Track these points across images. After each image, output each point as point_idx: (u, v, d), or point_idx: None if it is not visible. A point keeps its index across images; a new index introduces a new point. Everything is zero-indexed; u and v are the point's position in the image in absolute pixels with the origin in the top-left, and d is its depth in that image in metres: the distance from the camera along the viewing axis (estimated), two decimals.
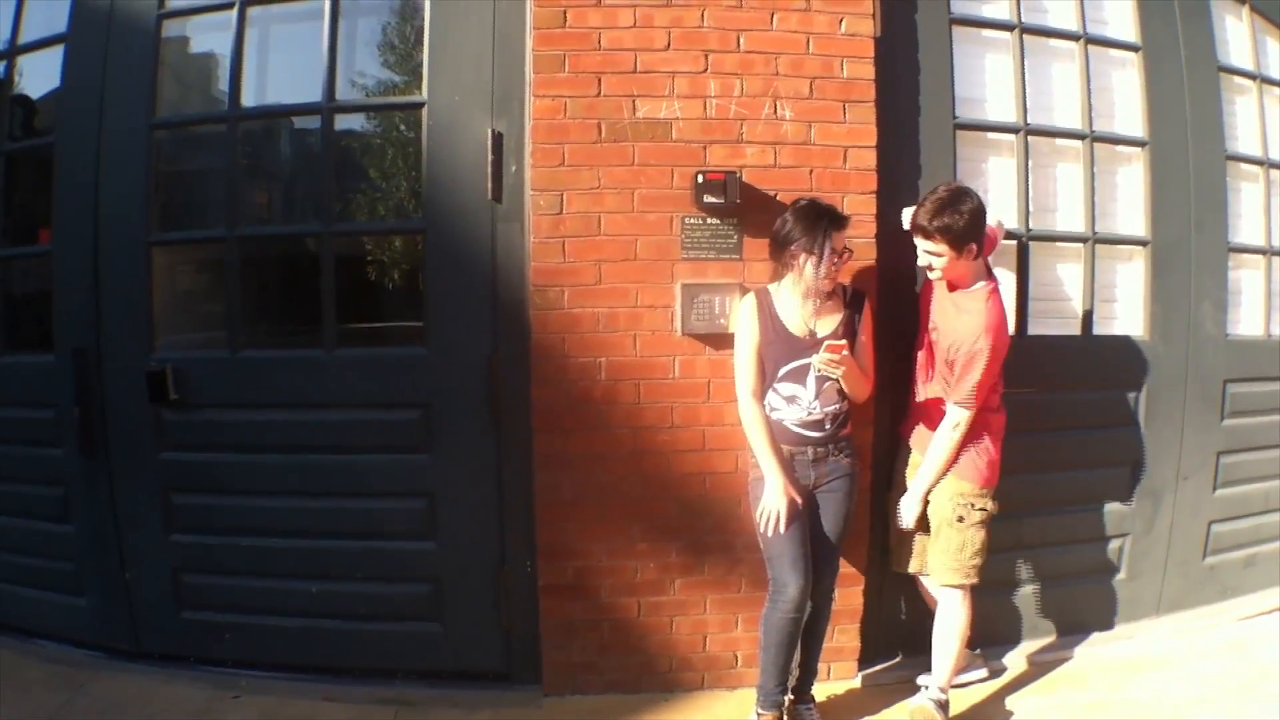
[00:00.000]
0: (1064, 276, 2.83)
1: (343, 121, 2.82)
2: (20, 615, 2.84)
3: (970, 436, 2.28)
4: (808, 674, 2.37)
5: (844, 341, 2.12)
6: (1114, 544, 2.90)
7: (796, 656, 2.28)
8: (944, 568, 2.32)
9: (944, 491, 2.32)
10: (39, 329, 2.77)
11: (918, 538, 2.42)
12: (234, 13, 2.50)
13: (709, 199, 2.33)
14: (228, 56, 2.53)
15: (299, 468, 2.56)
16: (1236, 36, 3.07)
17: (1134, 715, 2.44)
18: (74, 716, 2.39)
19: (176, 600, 2.65)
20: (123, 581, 2.66)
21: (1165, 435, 2.88)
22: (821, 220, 2.13)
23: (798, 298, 2.20)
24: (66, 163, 2.60)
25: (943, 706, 2.36)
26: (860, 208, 2.43)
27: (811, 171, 2.42)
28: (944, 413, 2.30)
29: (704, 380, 2.43)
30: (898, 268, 2.52)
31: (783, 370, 2.19)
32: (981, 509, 2.31)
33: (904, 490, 2.46)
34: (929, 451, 2.31)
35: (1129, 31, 2.84)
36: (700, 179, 2.33)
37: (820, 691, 2.44)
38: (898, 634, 2.70)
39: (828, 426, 2.21)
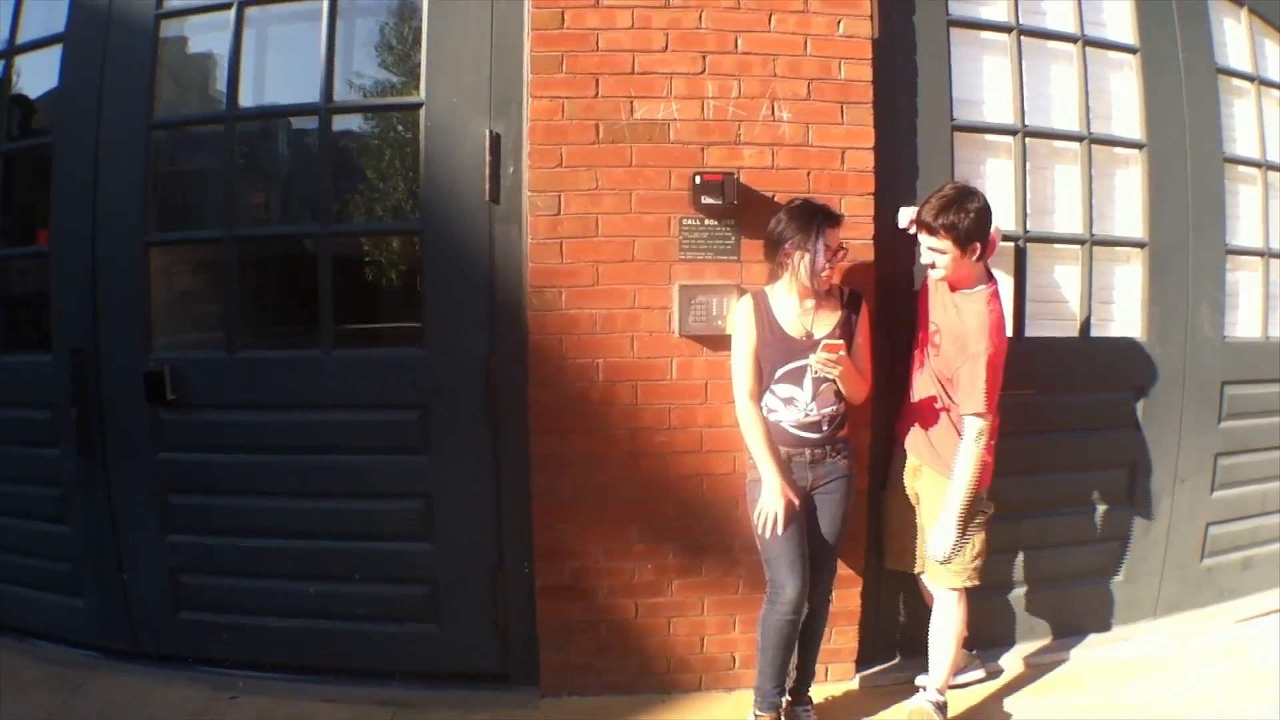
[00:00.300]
0: (1062, 278, 2.83)
1: (340, 122, 2.82)
2: (18, 615, 2.84)
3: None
4: (805, 676, 2.37)
5: (841, 342, 2.12)
6: (1111, 546, 2.90)
7: (793, 658, 2.28)
8: (945, 571, 2.31)
9: (939, 495, 2.31)
10: (37, 329, 2.77)
11: (916, 537, 2.42)
12: (232, 13, 2.50)
13: (707, 200, 2.33)
14: (225, 57, 2.53)
15: (296, 468, 2.56)
16: (1235, 38, 3.07)
17: (1131, 717, 2.44)
18: (71, 717, 2.39)
19: (174, 601, 2.65)
20: (120, 582, 2.66)
21: (1163, 437, 2.89)
22: (815, 218, 2.14)
23: (794, 298, 2.20)
24: (65, 163, 2.60)
25: (941, 708, 2.36)
26: (858, 209, 2.43)
27: (809, 173, 2.42)
28: (939, 413, 2.30)
29: (701, 382, 2.43)
30: (895, 269, 2.53)
31: (780, 372, 2.19)
32: (979, 511, 2.31)
33: (899, 490, 2.47)
34: (955, 471, 2.23)
35: (1127, 34, 2.84)
36: (698, 180, 2.33)
37: (818, 693, 2.45)
38: (896, 635, 2.71)
39: (825, 428, 2.21)
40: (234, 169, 2.61)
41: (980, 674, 2.65)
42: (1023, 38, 2.70)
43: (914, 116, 2.56)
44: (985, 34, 2.71)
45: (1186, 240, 2.88)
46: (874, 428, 2.50)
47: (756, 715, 2.27)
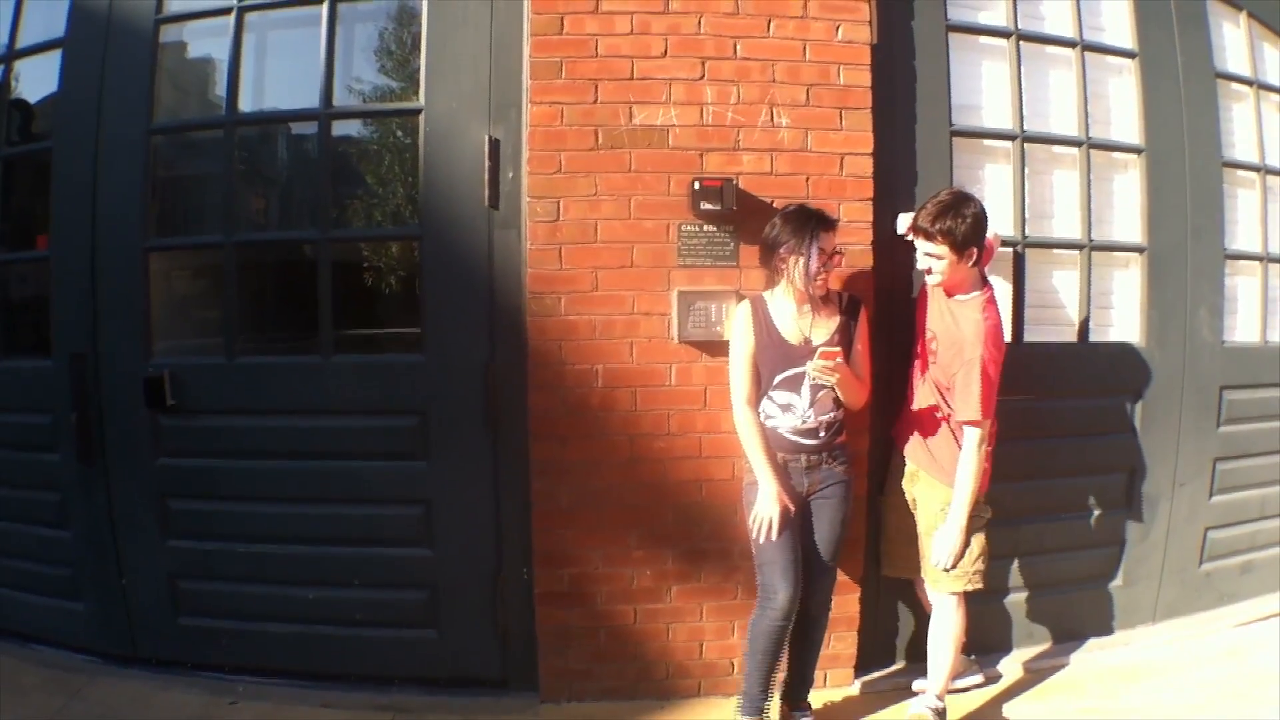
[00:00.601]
0: (1060, 283, 2.83)
1: (340, 127, 2.84)
2: (17, 620, 2.84)
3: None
4: (804, 682, 2.37)
5: (838, 349, 2.12)
6: (1110, 550, 2.90)
7: (783, 660, 2.27)
8: (947, 576, 2.31)
9: (935, 501, 2.32)
10: (36, 334, 2.77)
11: (913, 543, 2.42)
12: (231, 18, 2.51)
13: (706, 206, 2.34)
14: (225, 62, 2.54)
15: (295, 474, 2.56)
16: (1234, 43, 3.07)
17: None
18: None
19: (173, 606, 2.65)
20: (120, 587, 2.66)
21: (1162, 442, 2.89)
22: (810, 222, 2.14)
23: (792, 304, 2.20)
24: (64, 167, 2.61)
25: (940, 714, 2.36)
26: (856, 214, 2.43)
27: (808, 178, 2.42)
28: (938, 422, 2.30)
29: (700, 387, 2.43)
30: (895, 274, 2.53)
31: (778, 378, 2.19)
32: (977, 515, 2.31)
33: (897, 496, 2.47)
34: (957, 480, 2.24)
35: (1126, 38, 2.84)
36: (697, 186, 2.33)
37: (817, 699, 2.44)
38: (895, 641, 2.71)
39: (822, 434, 2.21)
40: (233, 174, 2.61)
41: (979, 679, 2.64)
42: (1021, 43, 2.70)
43: (913, 122, 2.57)
44: (984, 39, 2.71)
45: (1185, 245, 2.88)
46: (873, 434, 2.50)
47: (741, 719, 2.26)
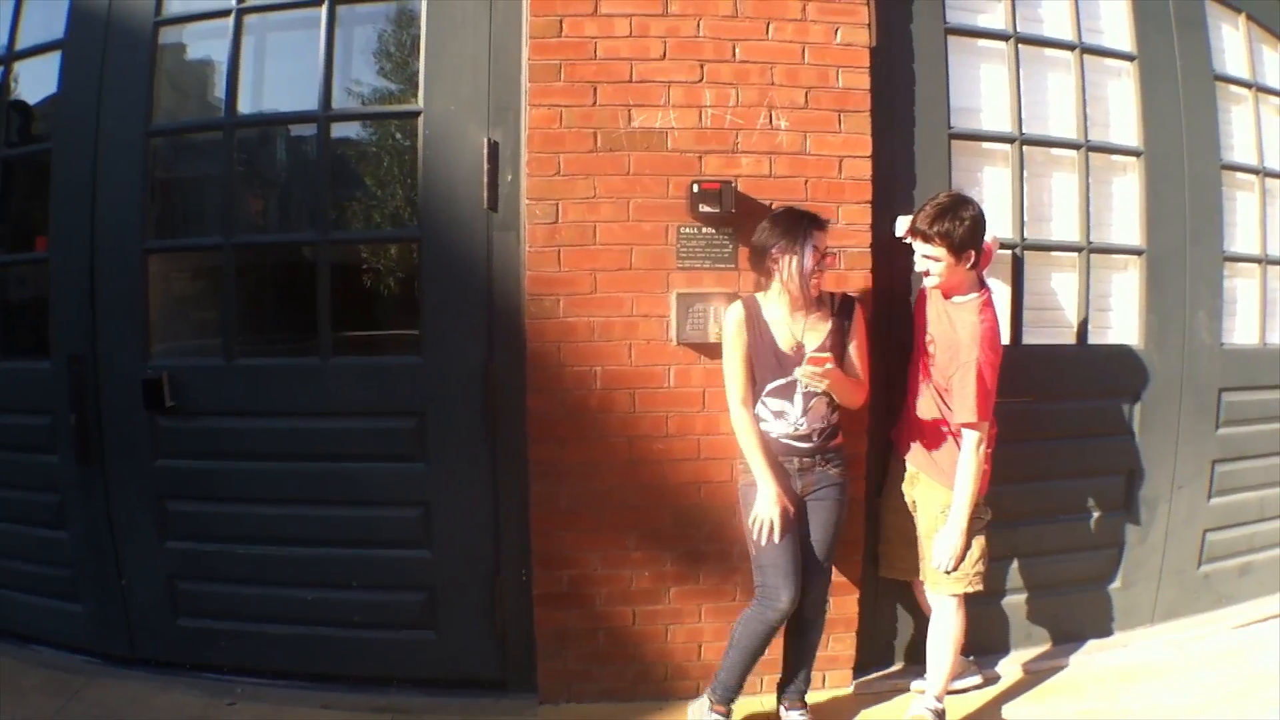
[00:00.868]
0: (1059, 286, 2.83)
1: (339, 130, 2.83)
2: (16, 620, 2.84)
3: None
4: (802, 683, 2.37)
5: (828, 355, 2.10)
6: (1109, 552, 2.90)
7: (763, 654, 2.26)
8: (948, 578, 2.30)
9: (936, 503, 2.32)
10: (35, 335, 2.78)
11: (912, 545, 2.42)
12: (231, 20, 2.50)
13: (704, 208, 2.34)
14: (224, 64, 2.54)
15: (294, 475, 2.56)
16: (1233, 45, 3.07)
17: None
18: None
19: (172, 607, 2.65)
20: (118, 588, 2.66)
21: (1160, 444, 2.89)
22: (802, 221, 2.13)
23: (784, 308, 2.19)
24: (63, 169, 2.61)
25: (939, 715, 2.36)
26: (855, 217, 2.44)
27: (807, 181, 2.42)
28: (938, 424, 2.30)
29: (699, 389, 2.43)
30: (893, 277, 2.53)
31: (770, 386, 2.19)
32: (977, 517, 2.31)
33: (896, 498, 2.47)
34: (957, 483, 2.24)
35: (1125, 41, 2.84)
36: (696, 188, 2.34)
37: (816, 700, 2.44)
38: (893, 642, 2.71)
39: (815, 440, 2.20)
40: (232, 176, 2.61)
41: (977, 680, 2.64)
42: (1020, 45, 2.70)
43: (911, 125, 2.57)
44: (983, 42, 2.71)
45: (1184, 247, 2.88)
46: (871, 436, 2.50)
47: (711, 703, 2.26)
